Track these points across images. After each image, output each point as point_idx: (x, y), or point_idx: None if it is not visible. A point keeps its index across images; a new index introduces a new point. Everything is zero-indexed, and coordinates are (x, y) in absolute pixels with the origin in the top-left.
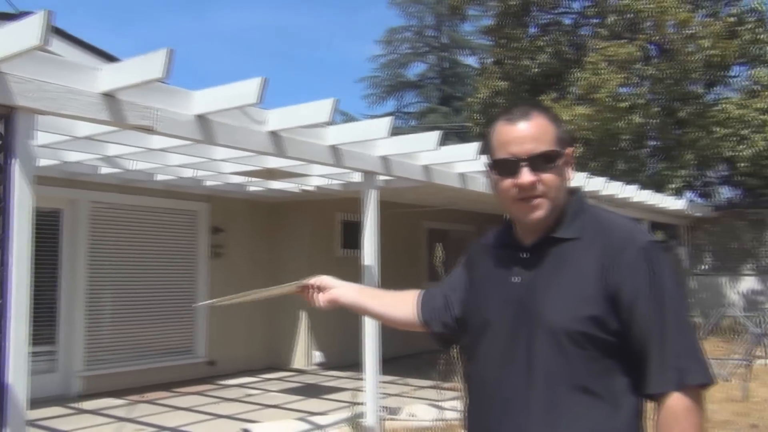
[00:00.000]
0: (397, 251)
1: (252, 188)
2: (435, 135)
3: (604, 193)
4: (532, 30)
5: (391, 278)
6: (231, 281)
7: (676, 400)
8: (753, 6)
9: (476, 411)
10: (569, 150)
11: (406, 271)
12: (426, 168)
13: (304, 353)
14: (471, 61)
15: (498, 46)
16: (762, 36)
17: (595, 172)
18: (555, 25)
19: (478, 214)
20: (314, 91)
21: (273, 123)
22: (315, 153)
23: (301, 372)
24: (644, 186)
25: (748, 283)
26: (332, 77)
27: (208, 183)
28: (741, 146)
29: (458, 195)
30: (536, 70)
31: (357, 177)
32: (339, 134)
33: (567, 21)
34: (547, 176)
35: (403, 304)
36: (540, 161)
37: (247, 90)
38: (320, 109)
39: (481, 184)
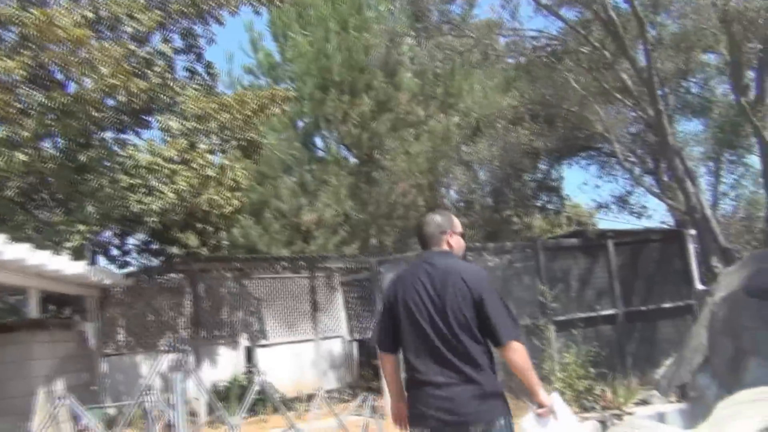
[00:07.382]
0: None
1: None
2: None
3: None
4: None
5: None
6: None
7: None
8: (160, 49)
9: None
10: None
11: None
12: None
13: None
14: None
15: None
16: (171, 83)
17: None
18: None
19: None
20: None
21: None
22: None
23: None
24: (36, 244)
25: (171, 358)
26: None
27: None
28: (150, 198)
29: None
30: None
31: None
32: None
33: None
34: None
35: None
36: None
37: None
38: None
39: None
